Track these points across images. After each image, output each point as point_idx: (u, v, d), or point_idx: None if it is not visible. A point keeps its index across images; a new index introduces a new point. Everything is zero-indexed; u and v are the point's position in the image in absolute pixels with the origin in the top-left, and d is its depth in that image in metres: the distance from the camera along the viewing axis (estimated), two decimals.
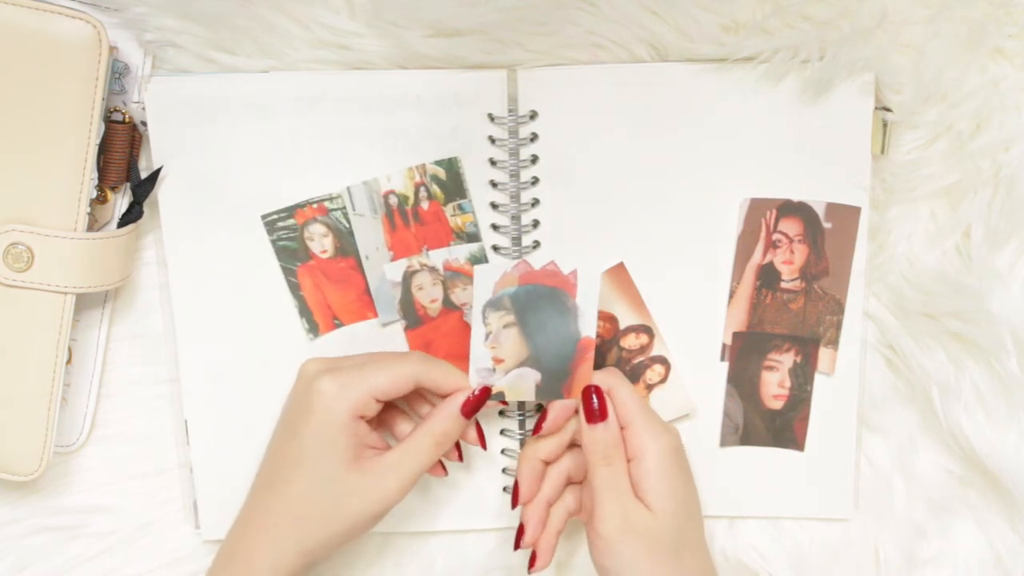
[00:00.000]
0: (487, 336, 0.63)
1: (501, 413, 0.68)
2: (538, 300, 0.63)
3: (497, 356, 0.63)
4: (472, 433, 0.65)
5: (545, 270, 0.63)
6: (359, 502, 0.60)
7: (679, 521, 0.61)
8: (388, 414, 0.65)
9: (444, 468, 0.65)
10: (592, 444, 0.62)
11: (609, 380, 0.63)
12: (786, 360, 0.68)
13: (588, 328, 0.63)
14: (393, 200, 0.66)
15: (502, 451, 0.69)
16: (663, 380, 0.68)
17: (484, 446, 0.65)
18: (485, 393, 0.63)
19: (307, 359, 0.64)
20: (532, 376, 0.64)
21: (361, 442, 0.61)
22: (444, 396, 0.63)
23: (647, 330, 0.67)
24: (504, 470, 0.69)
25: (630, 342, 0.67)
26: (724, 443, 0.69)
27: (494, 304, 0.63)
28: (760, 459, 0.69)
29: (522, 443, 0.68)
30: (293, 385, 0.64)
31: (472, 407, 0.63)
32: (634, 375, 0.68)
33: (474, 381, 0.63)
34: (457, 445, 0.65)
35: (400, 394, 0.62)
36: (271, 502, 0.61)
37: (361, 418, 0.61)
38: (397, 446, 0.62)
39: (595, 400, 0.62)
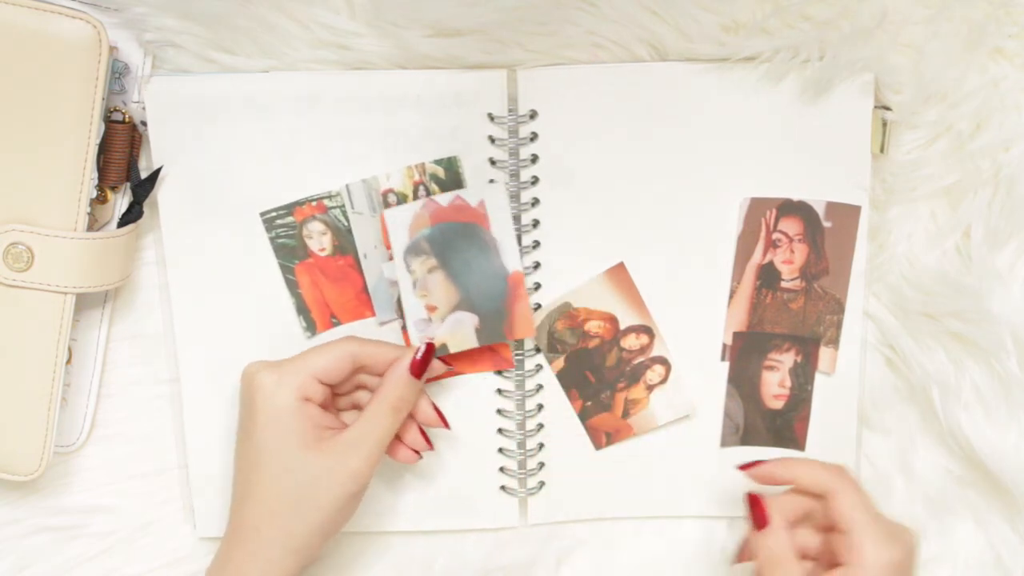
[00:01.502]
0: (414, 284, 0.63)
1: (499, 411, 0.68)
2: (455, 239, 0.63)
3: (429, 304, 0.64)
4: (430, 412, 0.64)
5: (453, 205, 0.63)
6: (327, 485, 0.59)
7: None
8: (350, 398, 0.65)
9: (416, 452, 0.64)
10: (757, 549, 0.59)
11: (830, 483, 0.59)
12: (786, 360, 0.68)
13: (512, 262, 0.63)
14: (392, 199, 0.66)
15: (499, 450, 0.69)
16: (663, 380, 0.68)
17: (447, 425, 0.64)
18: (430, 349, 0.62)
19: (248, 363, 0.63)
20: (470, 320, 0.64)
21: (316, 425, 0.60)
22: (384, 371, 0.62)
23: (647, 330, 0.67)
24: (501, 469, 0.69)
25: (630, 342, 0.67)
26: (724, 443, 0.69)
27: (413, 249, 0.63)
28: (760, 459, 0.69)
29: (520, 443, 0.68)
30: (239, 393, 0.63)
31: (420, 366, 0.62)
32: (634, 375, 0.68)
33: (414, 337, 0.63)
34: (422, 430, 0.64)
35: (342, 374, 0.61)
36: (245, 511, 0.60)
37: (308, 400, 0.60)
38: (354, 422, 0.61)
39: (751, 507, 0.60)
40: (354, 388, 0.65)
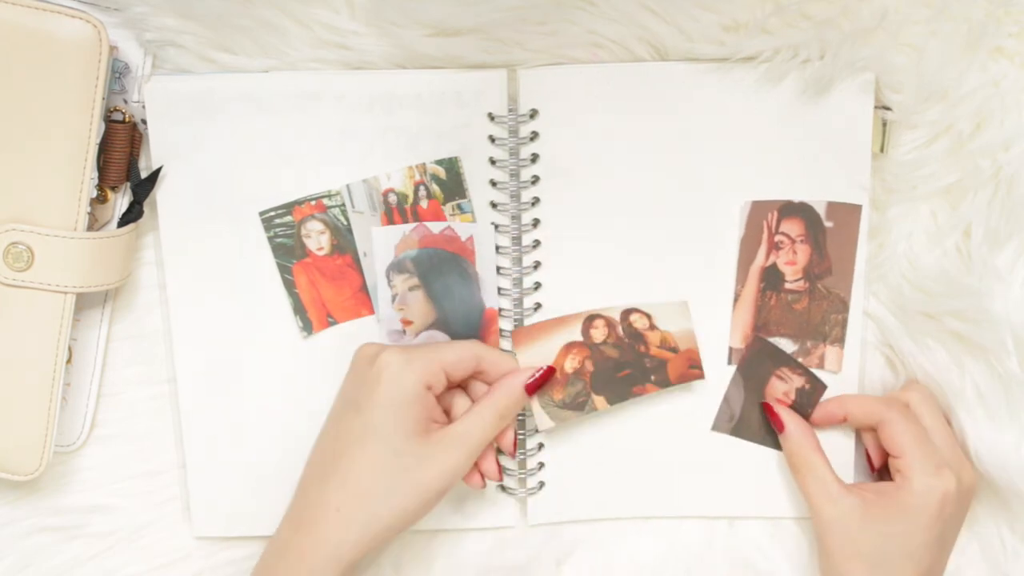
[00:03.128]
0: (393, 298, 0.64)
1: None
2: (440, 264, 0.65)
3: (405, 318, 0.65)
4: (510, 440, 0.65)
5: (443, 234, 0.64)
6: (426, 473, 0.60)
7: (893, 546, 0.62)
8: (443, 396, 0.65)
9: (483, 480, 0.65)
10: (785, 454, 0.67)
11: (880, 413, 0.64)
12: (796, 380, 0.68)
13: (490, 298, 0.64)
14: (392, 198, 0.66)
15: (500, 450, 0.69)
16: (651, 325, 0.67)
17: (514, 454, 0.67)
18: (550, 373, 0.64)
19: (360, 345, 0.63)
20: (442, 339, 0.66)
21: (429, 415, 0.61)
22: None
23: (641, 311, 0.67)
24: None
25: (639, 322, 0.67)
26: (716, 427, 0.69)
27: (397, 266, 0.64)
28: (760, 459, 0.69)
29: (520, 443, 0.68)
30: (350, 369, 0.63)
31: (537, 385, 0.64)
32: (638, 338, 0.67)
33: (385, 343, 0.65)
34: (497, 460, 0.65)
35: (465, 372, 0.62)
36: (328, 489, 0.60)
37: (430, 389, 0.61)
38: (460, 418, 0.62)
39: (768, 416, 0.67)
40: (456, 388, 0.65)
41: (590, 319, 0.65)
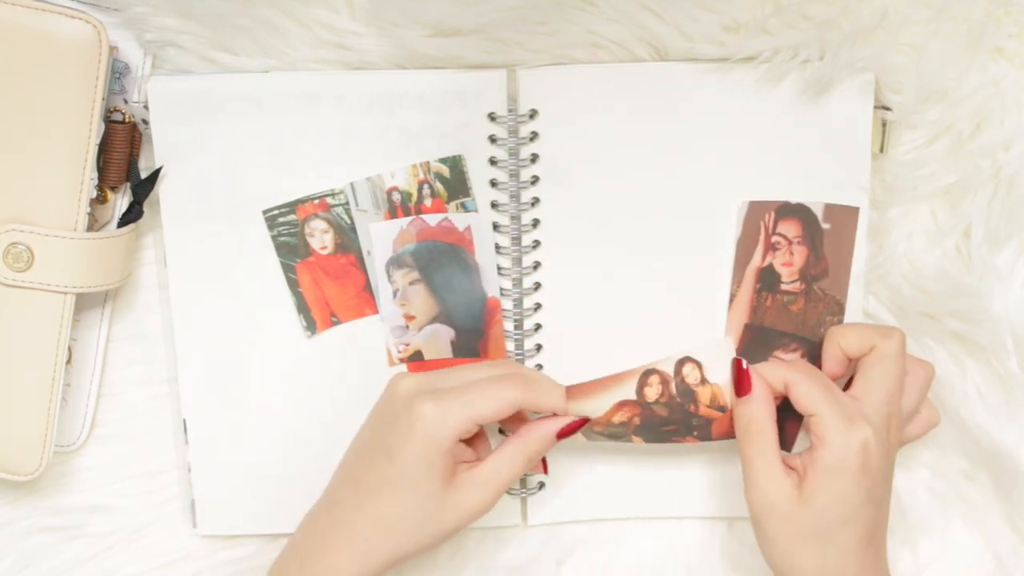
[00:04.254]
0: (395, 294, 0.65)
1: None
2: (440, 257, 0.65)
3: (408, 313, 0.65)
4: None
5: (441, 226, 0.64)
6: (452, 516, 0.60)
7: (831, 515, 0.59)
8: None
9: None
10: (737, 416, 0.62)
11: (786, 375, 0.61)
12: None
13: (492, 287, 0.64)
14: (396, 197, 0.66)
15: None
16: (701, 380, 0.66)
17: (546, 471, 0.67)
18: (582, 422, 0.62)
19: (396, 375, 0.62)
20: (446, 333, 0.65)
21: (457, 461, 0.61)
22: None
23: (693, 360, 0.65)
24: None
25: (691, 376, 0.64)
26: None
27: (396, 261, 0.64)
28: None
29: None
30: (382, 402, 0.62)
31: (568, 432, 0.62)
32: (689, 394, 0.66)
33: (390, 340, 0.65)
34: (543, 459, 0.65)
35: (500, 419, 0.61)
36: (358, 521, 0.60)
37: (461, 439, 0.60)
38: (489, 459, 0.61)
39: (736, 374, 0.62)
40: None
41: (646, 375, 0.64)
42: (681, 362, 0.63)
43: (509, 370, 0.63)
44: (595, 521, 0.71)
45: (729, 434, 0.63)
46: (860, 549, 0.59)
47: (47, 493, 0.69)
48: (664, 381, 0.63)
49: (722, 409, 0.63)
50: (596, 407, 0.63)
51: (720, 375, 0.63)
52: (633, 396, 0.63)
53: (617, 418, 0.63)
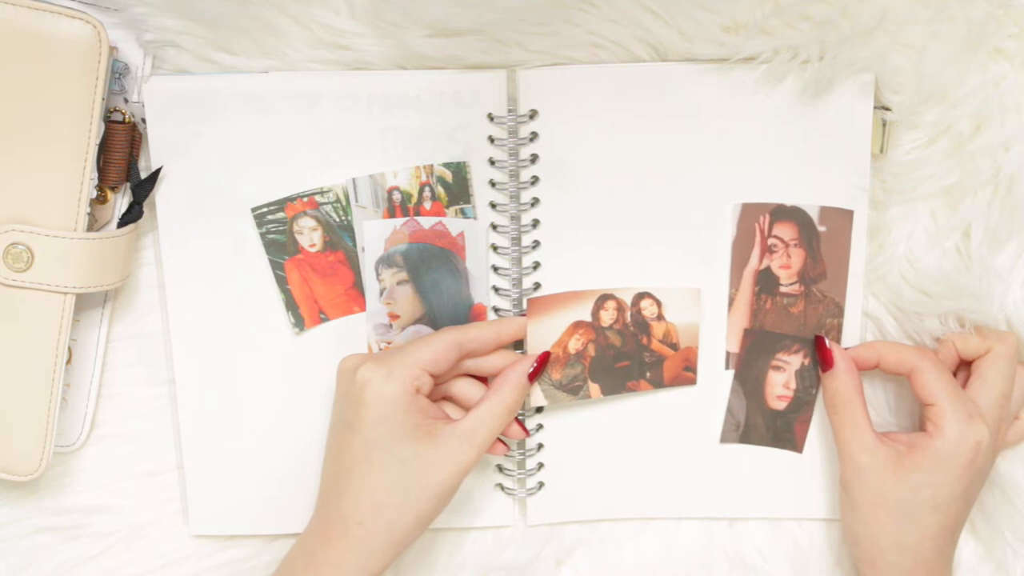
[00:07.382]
0: (382, 292, 0.65)
1: None
2: (430, 259, 0.65)
3: (393, 312, 0.65)
4: (515, 427, 0.65)
5: (434, 229, 0.64)
6: (438, 474, 0.60)
7: (922, 496, 0.61)
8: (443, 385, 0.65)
9: (505, 444, 0.66)
10: (824, 389, 0.65)
11: (914, 361, 0.63)
12: (794, 361, 0.68)
13: (480, 294, 0.65)
14: (396, 196, 0.66)
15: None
16: (659, 315, 0.67)
17: (528, 433, 0.66)
18: (545, 357, 0.64)
19: (343, 357, 0.63)
20: (428, 334, 0.65)
21: (426, 415, 0.61)
22: (490, 352, 0.64)
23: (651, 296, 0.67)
24: (500, 469, 0.69)
25: (648, 310, 0.67)
26: (724, 439, 0.69)
27: (386, 260, 0.65)
28: (760, 459, 0.69)
29: (519, 443, 0.69)
30: (336, 385, 0.63)
31: (537, 373, 0.64)
32: (643, 327, 0.67)
33: (372, 337, 0.65)
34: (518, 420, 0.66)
35: (448, 363, 0.62)
36: (345, 505, 0.60)
37: (418, 392, 0.61)
38: (468, 414, 0.62)
39: (819, 351, 0.66)
40: (452, 376, 0.65)
41: (602, 299, 0.65)
42: (640, 295, 0.65)
43: (445, 328, 0.64)
44: (595, 521, 0.71)
45: (680, 380, 0.64)
46: (939, 536, 0.61)
47: (47, 493, 0.69)
48: (620, 308, 0.65)
49: (674, 347, 0.64)
50: (553, 325, 0.64)
51: (679, 317, 0.64)
52: (588, 318, 0.64)
53: (572, 344, 0.64)
